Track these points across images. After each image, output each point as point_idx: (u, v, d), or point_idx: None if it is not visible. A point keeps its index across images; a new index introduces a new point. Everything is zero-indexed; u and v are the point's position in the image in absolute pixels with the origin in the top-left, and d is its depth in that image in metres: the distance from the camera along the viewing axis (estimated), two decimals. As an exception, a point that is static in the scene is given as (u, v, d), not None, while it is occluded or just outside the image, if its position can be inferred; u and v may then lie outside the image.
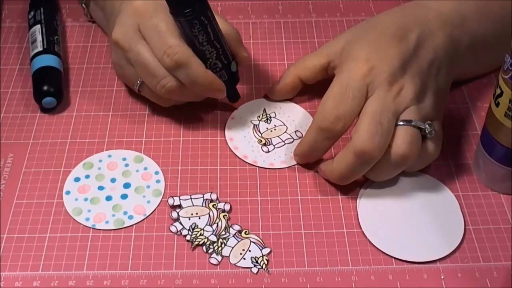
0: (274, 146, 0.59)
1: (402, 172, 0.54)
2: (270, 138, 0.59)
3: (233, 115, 0.61)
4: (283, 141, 0.59)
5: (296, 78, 0.61)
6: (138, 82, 0.58)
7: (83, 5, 0.69)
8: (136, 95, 0.63)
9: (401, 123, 0.52)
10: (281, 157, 0.58)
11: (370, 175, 0.54)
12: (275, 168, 0.57)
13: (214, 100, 0.62)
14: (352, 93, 0.53)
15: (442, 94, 0.57)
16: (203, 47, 0.54)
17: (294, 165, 0.57)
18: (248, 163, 0.57)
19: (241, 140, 0.59)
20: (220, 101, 0.61)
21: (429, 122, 0.53)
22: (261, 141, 0.59)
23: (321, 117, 0.53)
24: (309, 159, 0.57)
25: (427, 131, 0.52)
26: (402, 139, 0.51)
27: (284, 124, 0.61)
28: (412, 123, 0.52)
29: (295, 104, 0.62)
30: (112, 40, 0.57)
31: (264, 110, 0.62)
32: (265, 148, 0.58)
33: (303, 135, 0.58)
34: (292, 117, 0.61)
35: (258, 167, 0.57)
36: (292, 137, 0.60)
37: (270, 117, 0.61)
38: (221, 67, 0.56)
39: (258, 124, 0.60)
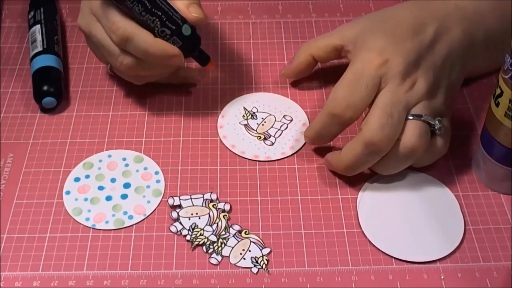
0: (274, 137, 0.59)
1: (408, 167, 0.55)
2: (267, 131, 0.60)
3: (221, 124, 0.61)
4: (279, 129, 0.60)
5: (310, 56, 0.62)
6: (108, 63, 0.59)
7: None
8: (136, 95, 0.63)
9: (411, 117, 0.52)
10: (286, 144, 0.58)
11: (377, 168, 0.54)
12: (288, 156, 0.58)
13: (214, 97, 0.63)
14: (365, 82, 0.53)
15: (453, 91, 0.57)
16: (143, 18, 0.54)
17: (302, 146, 0.58)
18: (259, 161, 0.57)
19: (242, 143, 0.59)
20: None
21: (439, 118, 0.53)
22: (260, 137, 0.59)
23: (332, 103, 0.53)
24: (319, 143, 0.57)
25: (436, 127, 0.53)
26: (412, 132, 0.52)
27: (270, 114, 0.61)
28: (422, 118, 0.52)
29: (267, 93, 0.63)
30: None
31: (244, 108, 0.62)
32: (268, 142, 0.59)
33: (293, 118, 0.60)
34: (273, 105, 0.62)
35: (272, 161, 0.57)
36: (284, 123, 0.60)
37: (254, 113, 0.61)
38: (171, 34, 0.55)
39: (248, 123, 0.60)
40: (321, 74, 0.64)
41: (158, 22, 0.54)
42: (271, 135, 0.59)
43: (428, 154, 0.54)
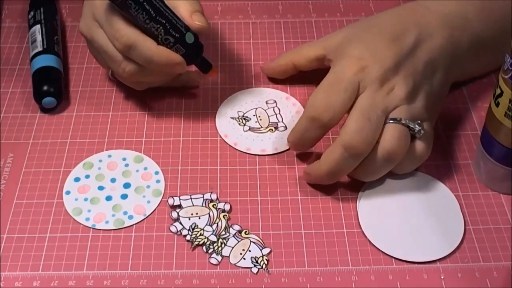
0: (281, 121, 0.61)
1: (397, 174, 0.55)
2: (270, 122, 0.61)
3: (226, 133, 0.60)
4: (279, 114, 0.61)
5: (291, 62, 0.63)
6: (110, 69, 0.59)
7: None
8: (136, 95, 0.63)
9: (390, 121, 0.52)
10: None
11: (357, 174, 0.54)
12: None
13: (214, 97, 0.63)
14: (344, 86, 0.53)
15: (436, 96, 0.57)
16: (147, 25, 0.53)
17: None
18: (268, 155, 0.58)
19: (250, 143, 0.59)
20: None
21: (418, 121, 0.53)
22: (272, 129, 0.60)
23: (311, 106, 0.54)
24: (301, 148, 0.57)
25: (415, 130, 0.52)
26: (391, 135, 0.52)
27: (257, 108, 0.62)
28: (401, 121, 0.52)
29: (234, 94, 0.63)
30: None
31: (232, 118, 0.61)
32: (281, 128, 0.60)
33: (275, 100, 0.62)
34: (249, 99, 0.63)
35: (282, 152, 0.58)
36: (272, 106, 0.62)
37: (244, 116, 0.61)
38: (174, 42, 0.55)
39: (250, 127, 0.60)
40: (322, 73, 0.64)
41: (162, 30, 0.54)
42: (277, 121, 0.60)
43: (409, 158, 0.54)
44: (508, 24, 0.60)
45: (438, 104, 0.58)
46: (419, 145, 0.53)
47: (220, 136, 0.59)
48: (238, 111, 0.61)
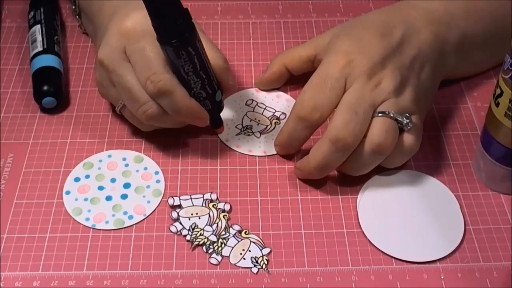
0: (280, 112, 0.61)
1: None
2: (269, 117, 0.61)
3: (238, 144, 0.60)
4: (269, 106, 0.62)
5: (283, 66, 0.62)
6: (120, 104, 0.56)
7: (77, 16, 0.68)
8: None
9: (379, 114, 0.52)
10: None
11: (347, 168, 0.54)
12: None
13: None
14: (330, 84, 0.53)
15: (425, 90, 0.57)
16: (189, 77, 0.52)
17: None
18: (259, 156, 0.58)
19: (249, 145, 0.59)
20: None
21: (406, 114, 0.53)
22: (278, 122, 0.60)
23: (299, 106, 0.54)
24: (289, 149, 0.57)
25: (404, 123, 0.53)
26: (378, 128, 0.52)
27: (250, 111, 0.62)
28: (389, 115, 0.52)
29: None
30: (97, 59, 0.55)
31: (240, 130, 0.60)
32: (283, 120, 0.60)
33: (254, 100, 0.62)
34: (236, 107, 0.62)
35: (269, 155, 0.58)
36: (261, 102, 0.62)
37: (248, 126, 0.61)
38: (206, 97, 0.54)
39: (260, 131, 0.60)
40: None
41: (200, 84, 0.53)
42: (273, 113, 0.61)
43: (398, 151, 0.54)
44: (496, 23, 0.60)
45: (427, 99, 0.58)
46: (408, 138, 0.53)
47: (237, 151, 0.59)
48: (236, 126, 0.61)
